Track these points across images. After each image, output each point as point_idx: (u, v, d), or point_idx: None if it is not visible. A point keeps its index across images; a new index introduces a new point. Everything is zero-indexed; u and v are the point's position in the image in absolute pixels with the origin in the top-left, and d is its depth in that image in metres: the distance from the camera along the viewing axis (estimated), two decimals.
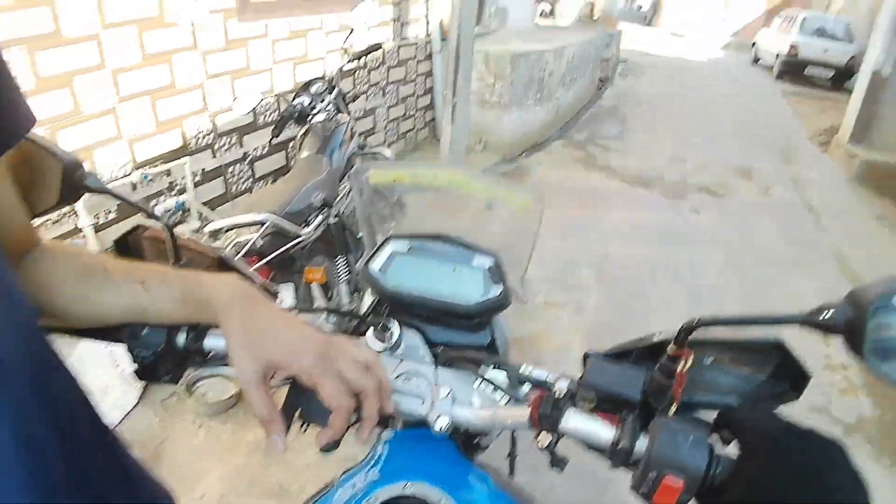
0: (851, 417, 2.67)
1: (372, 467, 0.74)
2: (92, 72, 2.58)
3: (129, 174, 2.83)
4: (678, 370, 0.59)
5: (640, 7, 25.02)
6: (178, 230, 0.80)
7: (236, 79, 3.36)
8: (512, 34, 6.74)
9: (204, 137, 3.25)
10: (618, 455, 0.56)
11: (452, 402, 0.71)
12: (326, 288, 2.24)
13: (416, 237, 0.84)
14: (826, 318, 0.51)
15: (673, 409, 0.60)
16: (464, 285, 0.81)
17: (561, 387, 0.62)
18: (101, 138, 2.68)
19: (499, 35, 6.59)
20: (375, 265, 0.81)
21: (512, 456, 1.02)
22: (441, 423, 0.69)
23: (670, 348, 0.60)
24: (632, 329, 2.83)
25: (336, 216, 2.20)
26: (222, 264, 0.80)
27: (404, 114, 5.20)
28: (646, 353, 0.67)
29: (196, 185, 3.20)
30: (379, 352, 0.75)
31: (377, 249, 0.82)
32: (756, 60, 15.53)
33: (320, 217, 2.06)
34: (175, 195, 3.09)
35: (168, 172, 3.04)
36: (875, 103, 6.41)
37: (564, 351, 2.94)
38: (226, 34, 3.24)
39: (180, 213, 3.14)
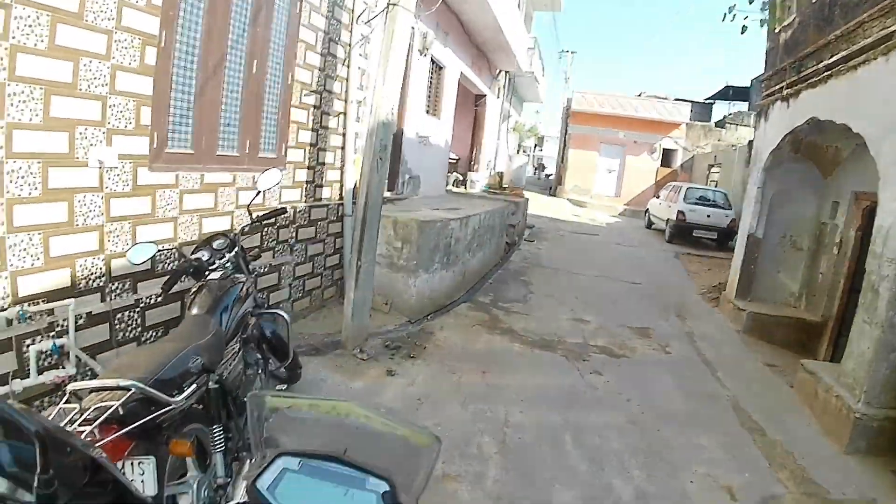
0: None
1: None
2: None
3: (5, 308, 2.63)
4: None
5: (549, 176, 27.77)
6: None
7: (138, 225, 3.34)
8: (423, 201, 7.20)
9: (95, 280, 3.12)
10: None
11: None
12: (202, 458, 2.07)
13: (308, 455, 0.81)
14: None
15: None
16: None
17: None
18: None
19: (410, 202, 7.02)
20: (263, 482, 0.77)
21: None
22: None
23: None
24: (536, 499, 2.78)
25: (217, 381, 2.11)
26: (97, 465, 0.76)
27: (311, 272, 5.26)
28: None
29: (78, 328, 3.01)
30: None
31: (266, 466, 0.79)
32: (650, 225, 17.50)
33: (196, 385, 1.97)
34: (53, 337, 2.87)
35: (51, 312, 2.86)
36: (754, 262, 7.34)
37: None
38: (134, 180, 3.27)
39: (56, 356, 2.90)
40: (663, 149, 22.90)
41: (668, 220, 15.08)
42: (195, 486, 2.05)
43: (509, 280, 8.10)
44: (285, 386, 3.04)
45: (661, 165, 22.92)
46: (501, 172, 15.62)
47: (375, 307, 5.18)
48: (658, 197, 17.31)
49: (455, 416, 3.87)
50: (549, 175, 27.65)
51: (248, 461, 2.31)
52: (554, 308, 7.00)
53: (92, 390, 1.75)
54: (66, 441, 0.75)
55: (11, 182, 2.61)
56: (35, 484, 0.62)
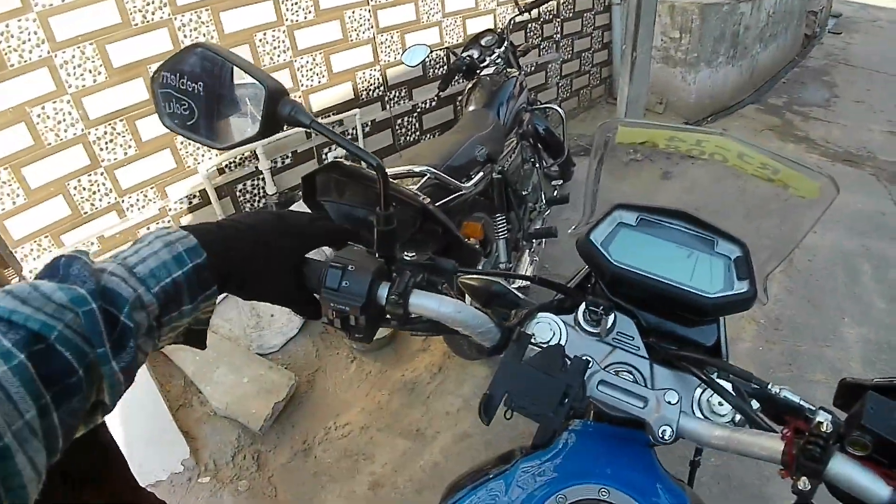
0: None
1: (557, 458, 0.68)
2: (271, 28, 2.77)
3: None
4: None
5: None
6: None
7: (406, 33, 3.40)
8: None
9: (375, 90, 3.35)
10: None
11: (679, 411, 0.61)
12: (484, 244, 2.21)
13: (649, 209, 0.73)
14: None
15: None
16: (701, 274, 0.69)
17: (825, 422, 0.50)
18: None
19: None
20: (598, 235, 0.72)
21: (694, 464, 0.90)
22: (666, 434, 0.60)
23: None
24: (819, 329, 2.48)
25: (499, 172, 2.14)
26: (426, 214, 0.78)
27: (578, 69, 4.94)
28: None
29: (366, 135, 3.34)
30: (588, 334, 0.68)
31: (601, 219, 0.73)
32: None
33: (482, 172, 2.02)
34: None
35: (340, 122, 3.20)
36: None
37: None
38: None
39: (349, 161, 3.30)
40: None
41: None
42: (480, 268, 2.22)
43: (808, 80, 6.71)
44: (560, 181, 3.02)
45: None
46: None
47: (649, 107, 4.75)
48: None
49: (737, 230, 3.53)
50: None
51: (527, 250, 2.40)
52: (864, 116, 5.67)
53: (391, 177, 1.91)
54: (400, 190, 0.77)
55: (288, 10, 2.79)
56: (376, 221, 0.64)
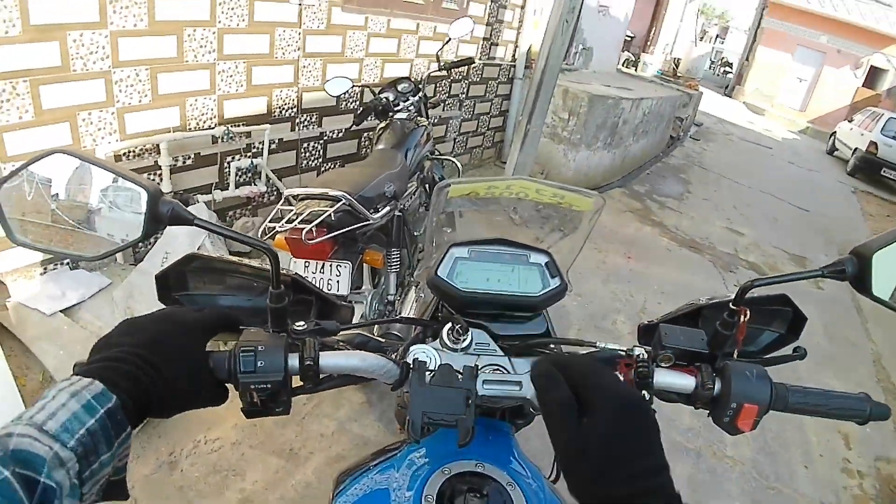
0: None
1: (440, 442, 0.82)
2: (202, 26, 2.78)
3: (212, 127, 3.00)
4: (741, 322, 0.73)
5: (727, 72, 24.64)
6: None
7: (329, 62, 3.53)
8: (593, 76, 6.82)
9: (288, 110, 3.41)
10: (699, 398, 0.72)
11: None
12: (375, 274, 2.33)
13: (476, 243, 0.90)
14: (838, 270, 0.69)
15: (736, 354, 0.75)
16: (525, 281, 0.88)
17: (641, 354, 0.74)
18: (195, 88, 2.86)
19: (580, 74, 6.68)
20: (443, 271, 0.87)
21: (556, 461, 1.10)
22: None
23: (730, 306, 0.73)
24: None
25: (401, 210, 2.30)
26: (297, 285, 0.83)
27: (475, 129, 5.32)
28: (687, 318, 0.86)
29: (271, 152, 3.37)
30: (455, 351, 0.82)
31: (442, 258, 0.88)
32: (832, 151, 15.14)
33: (388, 207, 2.16)
34: (250, 157, 3.25)
35: (248, 134, 3.22)
36: None
37: None
38: (329, 18, 3.42)
39: (250, 174, 3.31)
40: (871, 66, 18.84)
41: (855, 149, 12.85)
42: (369, 297, 2.32)
43: (668, 175, 7.68)
44: (450, 229, 3.21)
45: (864, 85, 19.06)
46: (678, 59, 14.24)
47: (532, 175, 5.19)
48: (851, 121, 14.56)
49: (595, 292, 3.95)
50: (729, 72, 24.58)
51: (414, 286, 2.56)
52: (709, 213, 6.61)
53: (305, 197, 1.99)
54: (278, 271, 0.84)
55: (223, 13, 2.83)
56: (269, 299, 0.70)
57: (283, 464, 2.21)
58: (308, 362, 0.67)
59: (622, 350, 0.78)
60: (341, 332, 0.80)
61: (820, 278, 0.71)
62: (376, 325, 1.67)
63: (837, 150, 14.78)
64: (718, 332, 0.75)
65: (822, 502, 2.67)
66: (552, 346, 0.87)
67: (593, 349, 0.81)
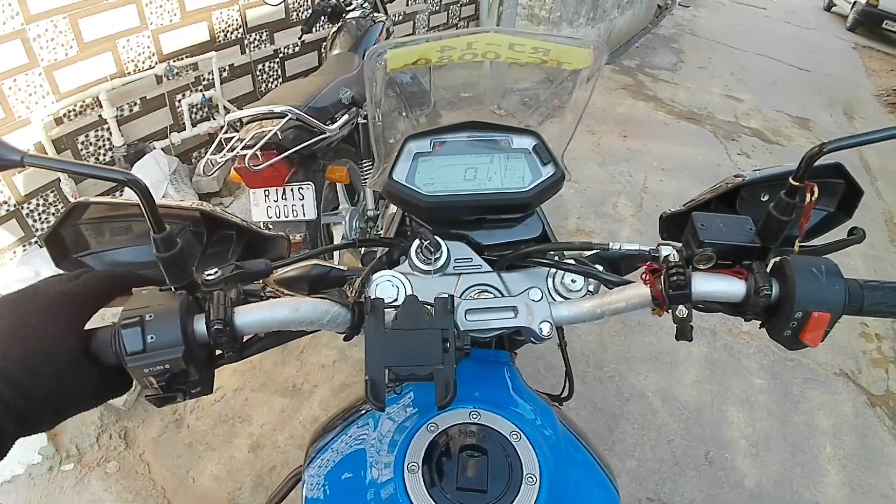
0: (879, 389, 2.54)
1: (424, 390, 0.65)
2: None
3: (153, 66, 2.73)
4: (808, 202, 0.54)
5: None
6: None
7: None
8: None
9: (233, 32, 3.10)
10: (752, 307, 0.54)
11: (547, 303, 0.61)
12: (351, 191, 2.15)
13: (439, 131, 0.70)
14: None
15: (797, 246, 0.58)
16: (509, 173, 0.70)
17: (671, 254, 0.56)
18: (124, 27, 2.57)
19: None
20: (399, 174, 0.68)
21: (568, 376, 0.93)
22: (545, 329, 0.60)
23: (790, 181, 0.54)
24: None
25: (364, 117, 2.08)
26: (209, 219, 0.65)
27: (446, 22, 4.92)
28: (721, 202, 0.69)
29: (223, 81, 3.10)
30: (429, 273, 0.65)
31: (397, 156, 0.69)
32: (829, 7, 14.16)
33: (347, 115, 1.94)
34: (201, 90, 2.99)
35: (195, 66, 2.94)
36: None
37: None
38: None
39: (206, 108, 3.06)
40: None
41: (854, 2, 11.81)
42: (347, 216, 2.16)
43: (658, 46, 7.22)
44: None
45: None
46: None
47: None
48: None
49: (593, 175, 3.78)
50: None
51: (369, 189, 2.38)
52: (706, 81, 6.26)
53: (249, 120, 1.77)
54: (168, 204, 0.65)
55: None
56: (154, 249, 0.50)
57: (288, 402, 2.15)
58: (216, 326, 0.49)
59: (644, 250, 0.60)
60: (272, 275, 0.62)
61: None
62: (335, 252, 1.51)
63: (836, 5, 13.73)
64: (773, 217, 0.56)
65: (841, 368, 2.60)
66: (551, 253, 0.68)
67: (605, 251, 0.63)
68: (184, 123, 2.96)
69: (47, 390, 0.44)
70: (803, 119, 5.74)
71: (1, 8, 2.12)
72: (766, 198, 0.61)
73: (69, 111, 2.47)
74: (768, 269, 0.55)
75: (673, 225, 0.67)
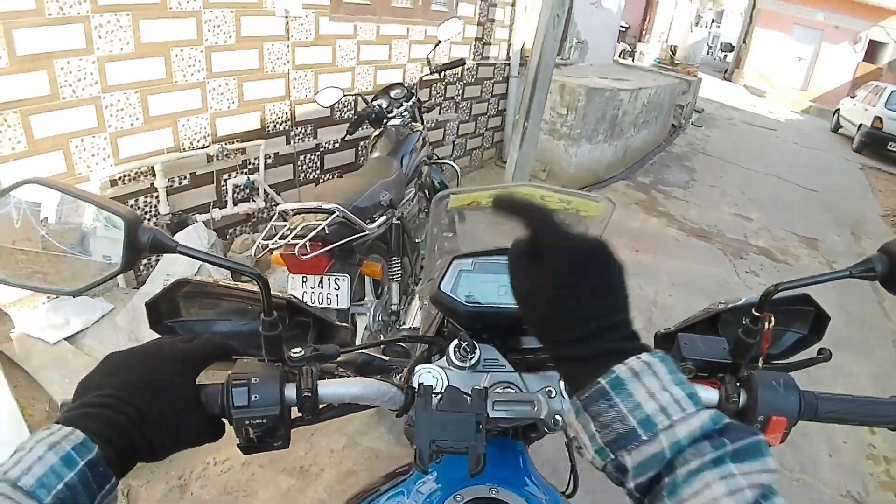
0: None
1: (450, 467, 0.76)
2: (189, 45, 2.76)
3: (207, 146, 2.99)
4: (766, 329, 0.69)
5: (725, 56, 24.44)
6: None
7: (320, 73, 3.51)
8: (590, 69, 6.77)
9: (281, 124, 3.39)
10: (724, 411, 0.64)
11: (560, 400, 0.74)
12: (377, 285, 2.29)
13: (479, 254, 0.85)
14: (867, 269, 0.66)
15: (760, 362, 0.71)
16: None
17: None
18: (186, 108, 2.85)
19: (577, 68, 6.63)
20: (446, 285, 0.82)
21: (573, 472, 1.03)
22: (559, 422, 0.72)
23: (752, 311, 0.69)
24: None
25: (399, 218, 2.26)
26: (293, 308, 0.79)
27: (474, 131, 5.28)
28: (706, 324, 0.81)
29: (267, 167, 3.35)
30: (462, 369, 0.78)
31: (445, 271, 0.83)
32: (837, 128, 14.89)
33: (384, 216, 2.13)
34: (246, 173, 3.23)
35: (243, 151, 3.20)
36: None
37: None
38: (316, 29, 3.40)
39: (248, 190, 3.29)
40: (870, 40, 18.44)
41: (860, 125, 12.58)
42: (372, 308, 2.29)
43: (672, 164, 7.60)
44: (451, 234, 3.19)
45: (864, 60, 18.63)
46: (675, 46, 14.11)
47: (533, 174, 5.16)
48: (853, 97, 14.24)
49: None
50: (727, 56, 24.35)
51: (418, 295, 2.52)
52: (716, 199, 6.53)
53: (298, 211, 1.96)
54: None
55: (209, 31, 2.82)
56: (262, 328, 0.66)
57: (294, 482, 2.19)
58: (306, 393, 0.63)
59: None
60: (342, 356, 0.76)
61: (847, 278, 0.67)
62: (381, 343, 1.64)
63: (842, 126, 14.51)
64: (741, 339, 0.70)
65: (848, 491, 2.60)
66: None
67: None
68: (226, 201, 3.18)
69: (169, 427, 0.56)
70: (811, 239, 5.93)
71: (83, 76, 2.39)
72: (744, 321, 0.73)
73: (124, 175, 2.70)
74: (738, 382, 0.68)
75: (665, 342, 0.80)
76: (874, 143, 12.13)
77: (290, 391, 0.63)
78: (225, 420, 0.62)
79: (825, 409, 0.67)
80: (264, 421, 0.60)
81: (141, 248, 0.59)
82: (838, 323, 4.06)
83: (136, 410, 0.54)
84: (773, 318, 0.69)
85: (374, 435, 2.40)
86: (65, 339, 2.47)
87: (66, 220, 0.60)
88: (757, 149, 10.05)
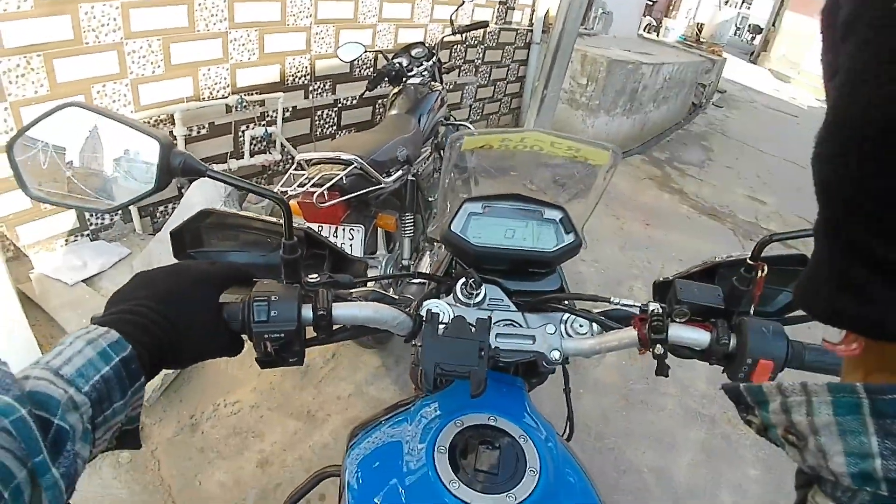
0: None
1: (453, 395, 0.82)
2: None
3: (226, 97, 3.00)
4: (758, 278, 0.73)
5: (753, 38, 23.87)
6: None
7: (342, 28, 3.49)
8: (613, 41, 6.66)
9: (301, 78, 3.39)
10: (714, 353, 0.71)
11: (559, 337, 0.79)
12: (389, 239, 2.33)
13: (490, 198, 0.90)
14: None
15: (752, 309, 0.74)
16: (540, 236, 0.88)
17: (656, 308, 0.73)
18: (207, 57, 2.85)
19: (600, 39, 6.53)
20: (456, 226, 0.87)
21: (570, 419, 1.09)
22: (556, 356, 0.78)
23: (747, 261, 0.73)
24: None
25: (414, 175, 2.29)
26: (310, 239, 0.83)
27: (492, 96, 5.24)
28: (703, 276, 0.85)
29: (285, 120, 3.37)
30: (468, 306, 0.82)
31: (455, 213, 0.88)
32: None
33: (400, 172, 2.15)
34: (264, 125, 3.25)
35: (262, 103, 3.21)
36: None
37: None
38: None
39: (265, 142, 3.31)
40: None
41: None
42: (383, 262, 2.33)
43: (689, 142, 7.52)
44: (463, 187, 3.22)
45: None
46: (702, 24, 13.82)
47: None
48: None
49: (613, 258, 3.92)
50: (754, 38, 23.75)
51: (428, 252, 2.56)
52: (731, 181, 6.47)
53: (317, 161, 1.99)
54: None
55: None
56: (282, 251, 0.70)
57: (301, 425, 2.26)
58: (321, 312, 0.68)
59: (637, 305, 0.77)
60: (355, 288, 0.80)
61: None
62: (390, 284, 1.68)
63: None
64: (735, 287, 0.74)
65: None
66: (566, 301, 0.86)
67: (607, 305, 0.80)
68: (243, 152, 3.21)
69: (194, 337, 0.61)
70: None
71: (107, 21, 2.40)
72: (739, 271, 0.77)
73: (144, 122, 2.71)
74: (729, 326, 0.72)
75: (663, 289, 0.84)
76: None
77: (307, 310, 0.67)
78: (244, 337, 0.67)
79: (812, 359, 0.70)
80: (282, 336, 0.65)
81: (173, 171, 0.62)
82: None
83: (165, 318, 0.58)
84: (765, 268, 0.72)
85: (381, 385, 2.47)
86: (82, 280, 2.54)
87: (104, 142, 0.62)
88: (776, 134, 9.88)
